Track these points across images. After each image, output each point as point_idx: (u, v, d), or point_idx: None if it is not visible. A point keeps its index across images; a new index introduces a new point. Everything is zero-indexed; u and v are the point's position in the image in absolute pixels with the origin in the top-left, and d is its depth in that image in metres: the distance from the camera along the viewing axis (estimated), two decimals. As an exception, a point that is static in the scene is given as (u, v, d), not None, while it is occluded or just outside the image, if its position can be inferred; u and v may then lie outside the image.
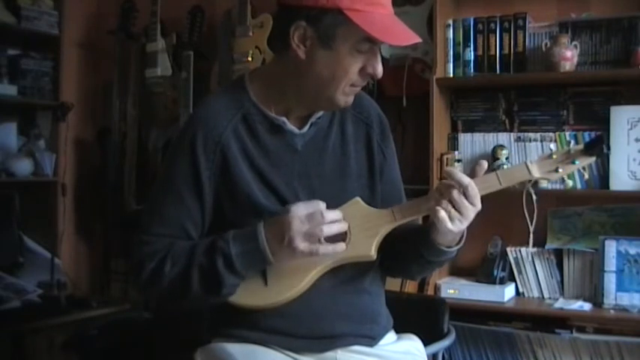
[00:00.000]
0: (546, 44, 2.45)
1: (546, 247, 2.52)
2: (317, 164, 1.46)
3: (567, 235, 2.55)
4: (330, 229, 1.31)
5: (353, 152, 1.50)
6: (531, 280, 2.54)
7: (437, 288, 2.54)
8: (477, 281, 2.54)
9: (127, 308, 3.03)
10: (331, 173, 1.47)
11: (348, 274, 1.42)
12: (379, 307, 1.55)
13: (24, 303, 2.80)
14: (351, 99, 1.42)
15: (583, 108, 2.51)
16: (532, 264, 2.52)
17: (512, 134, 2.58)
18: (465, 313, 2.45)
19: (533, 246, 2.50)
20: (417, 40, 1.34)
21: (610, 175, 2.39)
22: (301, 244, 1.30)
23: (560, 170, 1.36)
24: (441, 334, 1.95)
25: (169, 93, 3.17)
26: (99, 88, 3.52)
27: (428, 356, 1.66)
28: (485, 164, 1.36)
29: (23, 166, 3.16)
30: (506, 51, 2.55)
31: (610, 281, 2.34)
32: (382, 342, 1.52)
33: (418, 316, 1.92)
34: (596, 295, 2.40)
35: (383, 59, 1.40)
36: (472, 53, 2.59)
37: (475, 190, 1.31)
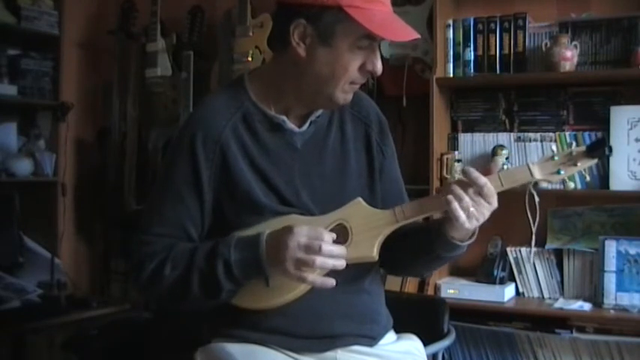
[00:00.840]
0: (546, 44, 2.45)
1: (546, 247, 2.52)
2: (317, 163, 1.46)
3: (567, 235, 2.54)
4: (325, 263, 1.29)
5: (352, 151, 1.50)
6: (531, 280, 2.54)
7: (437, 288, 2.54)
8: (477, 281, 2.54)
9: (127, 308, 3.03)
10: (331, 172, 1.47)
11: (348, 274, 1.42)
12: (379, 307, 1.55)
13: (24, 303, 2.79)
14: (350, 97, 1.42)
15: (583, 108, 2.51)
16: (532, 264, 2.52)
17: (512, 134, 2.58)
18: (465, 313, 2.45)
19: (534, 246, 2.50)
20: (416, 36, 1.35)
21: (610, 175, 2.38)
22: (291, 268, 1.29)
23: (562, 172, 1.36)
24: (441, 334, 1.95)
25: (169, 93, 3.17)
26: (99, 88, 3.51)
27: (428, 356, 1.66)
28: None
29: (23, 166, 3.15)
30: (506, 51, 2.55)
31: (610, 281, 2.34)
32: (382, 342, 1.52)
33: (418, 316, 1.92)
34: (596, 295, 2.40)
35: (383, 59, 1.41)
36: (472, 53, 2.59)
37: (492, 190, 1.32)
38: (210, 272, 1.34)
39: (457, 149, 2.64)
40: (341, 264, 1.31)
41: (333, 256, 1.30)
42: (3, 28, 3.08)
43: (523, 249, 2.53)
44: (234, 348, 1.43)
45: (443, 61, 2.59)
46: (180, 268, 1.37)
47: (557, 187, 2.40)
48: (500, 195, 1.34)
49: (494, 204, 1.33)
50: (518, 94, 2.60)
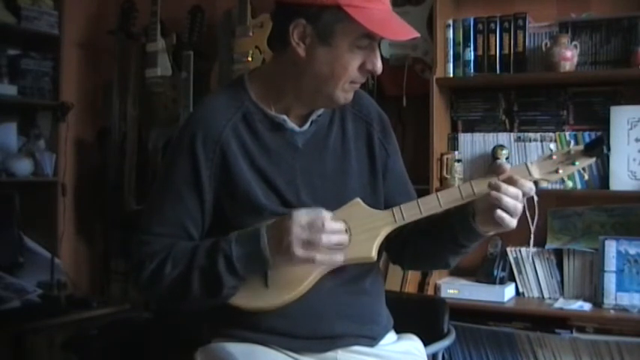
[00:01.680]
0: (546, 44, 2.45)
1: (546, 247, 2.52)
2: (318, 162, 1.46)
3: (567, 235, 2.54)
4: (330, 240, 1.30)
5: (353, 151, 1.50)
6: (531, 280, 2.53)
7: (437, 288, 2.54)
8: (477, 281, 2.54)
9: (127, 308, 3.03)
10: (332, 171, 1.47)
11: (348, 274, 1.42)
12: (379, 308, 1.55)
13: (24, 303, 2.79)
14: (350, 96, 1.42)
15: (583, 108, 2.51)
16: (532, 264, 2.52)
17: (512, 134, 2.58)
18: (465, 313, 2.45)
19: (534, 246, 2.50)
20: (416, 35, 1.35)
21: (610, 175, 2.38)
22: (298, 251, 1.29)
23: (560, 171, 1.35)
24: (441, 334, 1.94)
25: (169, 93, 3.17)
26: (99, 88, 3.52)
27: (428, 356, 1.66)
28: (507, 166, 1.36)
29: (23, 166, 3.15)
30: (506, 51, 2.55)
31: (610, 281, 2.34)
32: (382, 342, 1.52)
33: (418, 316, 1.91)
34: (596, 295, 2.40)
35: (383, 59, 1.41)
36: (472, 53, 2.59)
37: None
38: (211, 269, 1.34)
39: (457, 149, 2.64)
40: (345, 239, 1.32)
41: (335, 231, 1.31)
42: (3, 28, 3.08)
43: (523, 249, 2.53)
44: (234, 348, 1.43)
45: (443, 61, 2.59)
46: (181, 266, 1.37)
47: (557, 187, 2.40)
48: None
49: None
50: (518, 94, 2.60)
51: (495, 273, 2.51)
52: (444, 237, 1.42)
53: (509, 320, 2.46)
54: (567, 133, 2.49)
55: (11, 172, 3.11)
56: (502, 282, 2.51)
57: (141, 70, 3.23)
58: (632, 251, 2.34)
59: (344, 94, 1.40)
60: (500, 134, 2.60)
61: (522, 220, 2.39)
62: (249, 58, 2.89)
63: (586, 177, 1.58)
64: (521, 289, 2.55)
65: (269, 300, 1.37)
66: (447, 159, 2.57)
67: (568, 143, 1.38)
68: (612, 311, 2.32)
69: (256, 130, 1.43)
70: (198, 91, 3.07)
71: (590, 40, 2.47)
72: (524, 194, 1.32)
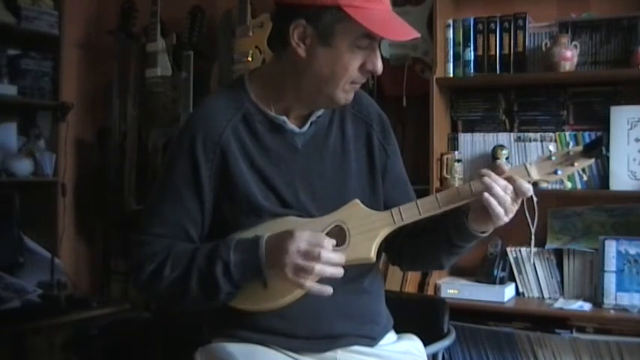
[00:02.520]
0: (546, 44, 2.45)
1: (546, 247, 2.52)
2: (317, 163, 1.46)
3: (567, 235, 2.54)
4: (323, 271, 1.29)
5: (353, 151, 1.50)
6: (531, 280, 2.54)
7: (437, 288, 2.54)
8: (477, 281, 2.54)
9: (127, 308, 3.03)
10: (332, 172, 1.47)
11: (348, 274, 1.42)
12: (379, 307, 1.55)
13: (24, 303, 2.80)
14: (350, 96, 1.42)
15: (583, 108, 2.51)
16: (532, 264, 2.52)
17: (512, 134, 2.58)
18: (465, 313, 2.45)
19: (534, 246, 2.50)
20: (416, 35, 1.35)
21: (610, 175, 2.38)
22: (290, 274, 1.30)
23: (559, 172, 1.35)
24: (441, 334, 1.95)
25: (169, 93, 3.17)
26: (99, 88, 3.52)
27: (428, 356, 1.66)
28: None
29: (23, 166, 3.15)
30: (506, 51, 2.55)
31: (610, 281, 2.34)
32: (382, 342, 1.52)
33: (418, 316, 1.91)
34: (596, 295, 2.40)
35: (383, 59, 1.41)
36: (472, 53, 2.59)
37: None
38: (208, 273, 1.34)
39: (457, 149, 2.64)
40: (339, 272, 1.31)
41: (331, 263, 1.30)
42: (3, 28, 3.08)
43: (523, 249, 2.53)
44: (234, 348, 1.43)
45: (443, 61, 2.59)
46: (180, 268, 1.37)
47: (557, 187, 2.40)
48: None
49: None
50: (518, 94, 2.60)
51: (495, 273, 2.51)
52: (439, 237, 1.43)
53: (510, 320, 2.46)
54: (567, 133, 2.49)
55: (11, 172, 3.11)
56: (502, 282, 2.51)
57: (141, 70, 3.23)
58: (632, 251, 2.34)
59: (344, 95, 1.40)
60: (500, 134, 2.60)
61: (522, 220, 2.43)
62: (249, 58, 2.89)
63: (585, 177, 1.59)
64: (521, 289, 2.55)
65: (268, 301, 1.37)
66: (447, 159, 2.57)
67: (568, 143, 1.39)
68: (612, 311, 2.32)
69: (256, 131, 1.43)
70: (198, 91, 3.07)
71: (590, 40, 2.47)
72: (522, 195, 1.32)
